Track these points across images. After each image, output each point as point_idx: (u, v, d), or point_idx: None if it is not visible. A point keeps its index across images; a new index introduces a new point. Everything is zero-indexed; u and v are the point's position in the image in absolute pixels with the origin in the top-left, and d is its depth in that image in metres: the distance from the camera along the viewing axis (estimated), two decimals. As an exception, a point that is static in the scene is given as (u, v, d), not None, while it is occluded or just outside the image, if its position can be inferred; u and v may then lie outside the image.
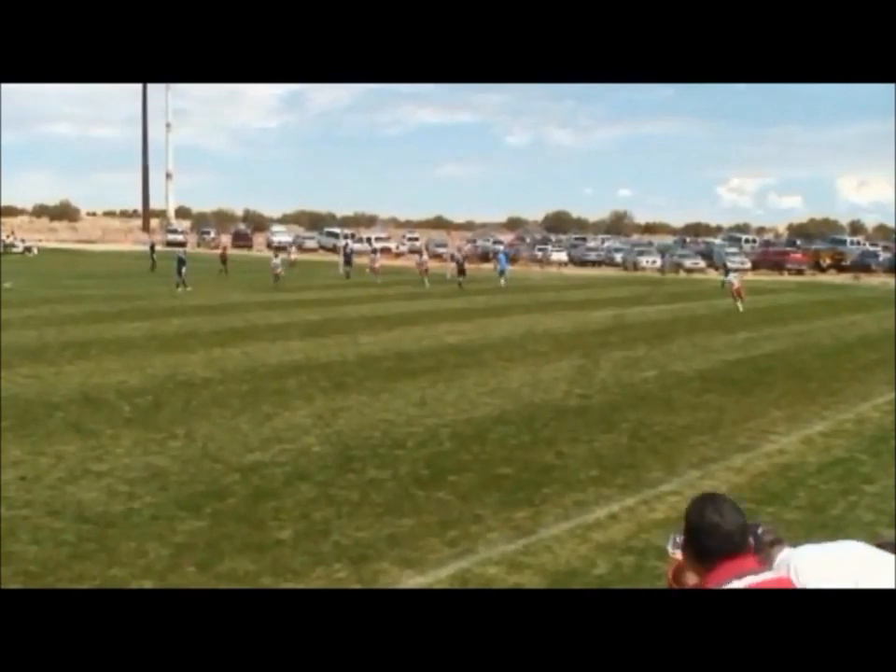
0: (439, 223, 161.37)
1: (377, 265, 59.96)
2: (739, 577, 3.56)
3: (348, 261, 62.63)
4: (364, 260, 68.22)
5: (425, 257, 58.93)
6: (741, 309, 38.00)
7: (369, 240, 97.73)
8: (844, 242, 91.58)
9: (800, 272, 78.87)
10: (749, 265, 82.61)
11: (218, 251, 65.26)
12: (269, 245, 78.29)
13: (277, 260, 51.92)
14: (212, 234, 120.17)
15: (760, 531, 4.44)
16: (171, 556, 9.09)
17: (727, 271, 47.63)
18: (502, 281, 55.68)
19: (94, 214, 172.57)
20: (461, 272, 54.24)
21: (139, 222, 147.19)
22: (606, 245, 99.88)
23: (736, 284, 40.37)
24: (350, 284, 53.79)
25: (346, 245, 76.28)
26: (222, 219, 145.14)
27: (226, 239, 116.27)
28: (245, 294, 43.49)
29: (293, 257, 67.07)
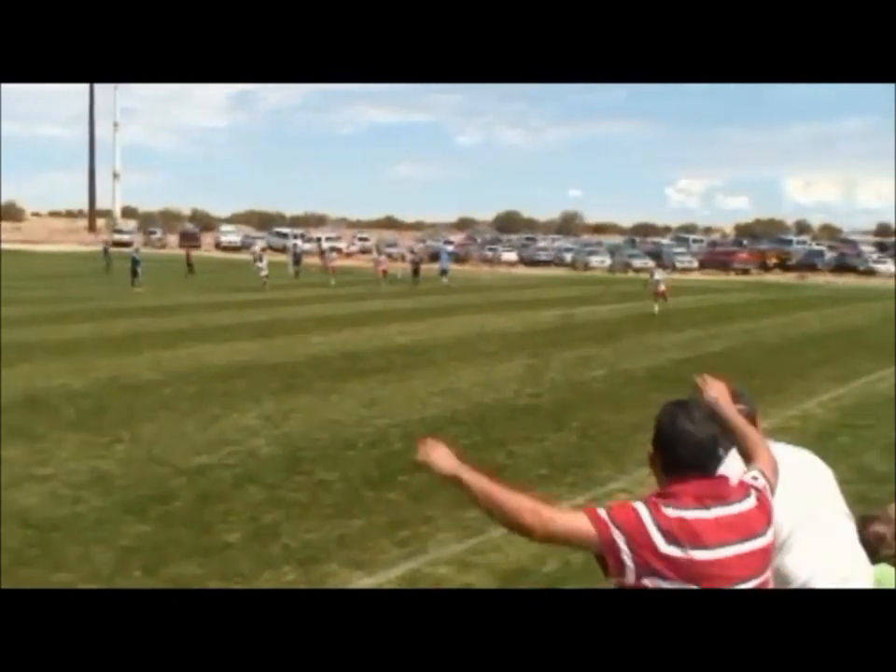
0: (389, 223, 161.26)
1: (334, 265, 58.00)
2: (707, 507, 3.37)
3: (297, 261, 62.32)
4: (314, 260, 67.96)
5: (382, 257, 57.14)
6: (656, 311, 36.37)
7: (318, 240, 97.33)
8: (789, 242, 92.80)
9: (746, 271, 79.75)
10: (696, 264, 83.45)
11: (164, 251, 64.77)
12: (217, 245, 77.54)
13: (262, 264, 48.90)
14: (158, 234, 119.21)
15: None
16: (116, 561, 8.97)
17: (653, 271, 44.60)
18: (444, 279, 55.88)
19: (39, 214, 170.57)
20: (416, 272, 54.28)
21: (85, 222, 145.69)
22: (556, 244, 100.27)
23: (662, 286, 38.09)
24: (299, 284, 53.56)
25: (295, 245, 76.06)
26: (169, 219, 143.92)
27: (173, 239, 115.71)
28: (194, 295, 43.16)
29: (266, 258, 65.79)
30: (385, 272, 52.91)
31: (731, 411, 3.98)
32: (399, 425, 15.07)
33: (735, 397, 4.24)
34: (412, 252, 70.97)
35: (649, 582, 3.32)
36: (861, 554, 4.41)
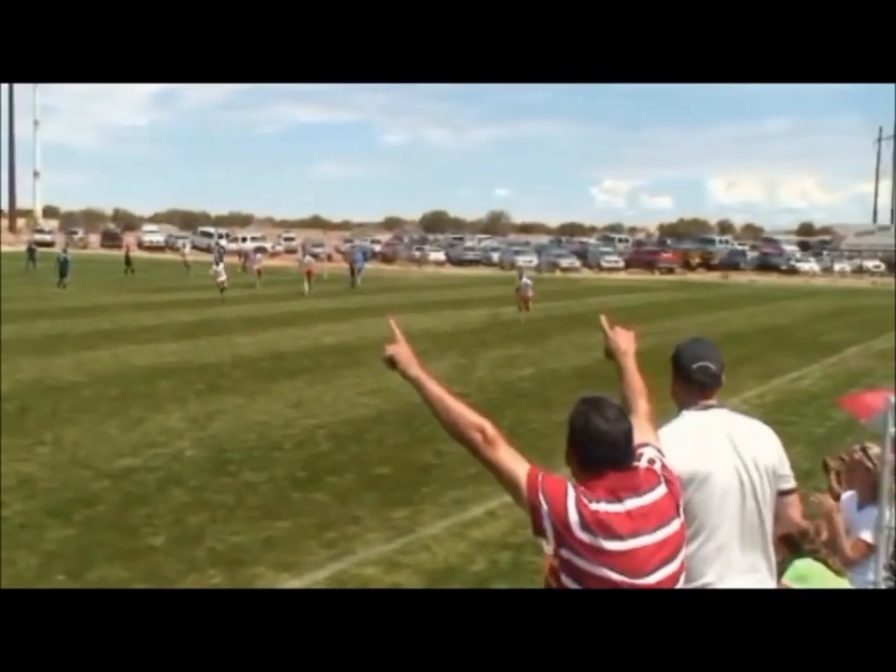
0: (315, 223, 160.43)
1: (258, 266, 53.44)
2: (621, 500, 3.47)
3: (218, 261, 61.68)
4: (237, 260, 67.24)
5: (307, 258, 52.06)
6: (522, 320, 33.34)
7: (244, 239, 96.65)
8: (712, 241, 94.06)
9: (670, 270, 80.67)
10: (622, 264, 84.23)
11: (86, 251, 63.81)
12: (140, 245, 76.60)
13: (220, 268, 42.66)
14: (80, 234, 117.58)
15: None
16: (40, 565, 8.86)
17: (521, 272, 39.46)
18: (358, 279, 55.84)
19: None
20: (353, 272, 54.06)
21: (5, 222, 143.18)
22: (483, 244, 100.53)
23: (530, 291, 35.09)
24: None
25: (216, 244, 75.35)
26: (91, 219, 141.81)
27: (94, 238, 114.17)
28: (117, 295, 42.62)
29: (189, 258, 63.38)
30: (309, 273, 48.58)
31: (629, 361, 4.45)
32: (326, 425, 15.04)
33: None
34: (336, 251, 70.70)
35: (565, 554, 3.44)
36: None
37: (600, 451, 3.55)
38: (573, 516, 3.42)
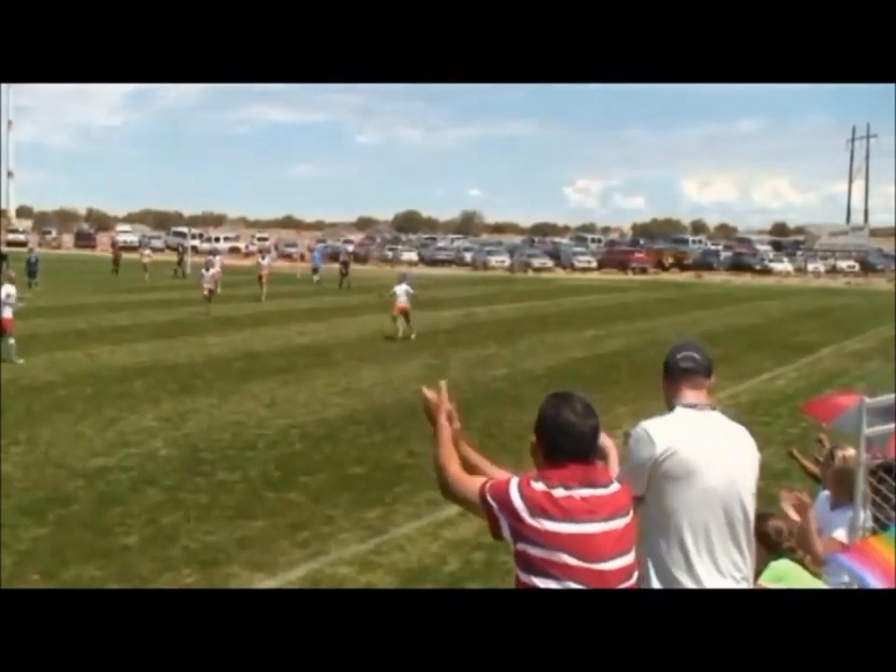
0: (288, 223, 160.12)
1: (215, 270, 42.49)
2: (577, 487, 3.60)
3: (180, 260, 61.39)
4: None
5: (266, 261, 46.60)
6: (400, 334, 27.64)
7: (217, 239, 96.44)
8: (686, 241, 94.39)
9: (644, 270, 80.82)
10: (595, 264, 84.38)
11: (59, 251, 63.39)
12: (113, 245, 76.02)
13: (209, 273, 36.46)
14: (53, 234, 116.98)
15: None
16: (14, 564, 8.84)
17: (401, 278, 30.42)
18: (315, 278, 56.13)
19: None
20: (345, 272, 53.92)
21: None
22: (455, 244, 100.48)
23: (402, 302, 27.99)
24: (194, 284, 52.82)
25: (179, 244, 74.98)
26: (65, 219, 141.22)
27: (68, 238, 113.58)
28: (90, 295, 42.41)
29: (146, 260, 62.84)
30: (262, 277, 42.71)
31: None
32: (299, 425, 15.05)
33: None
34: (310, 250, 70.34)
35: (521, 547, 3.58)
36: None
37: (566, 442, 3.69)
38: (518, 505, 3.58)
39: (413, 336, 27.26)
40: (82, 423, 15.03)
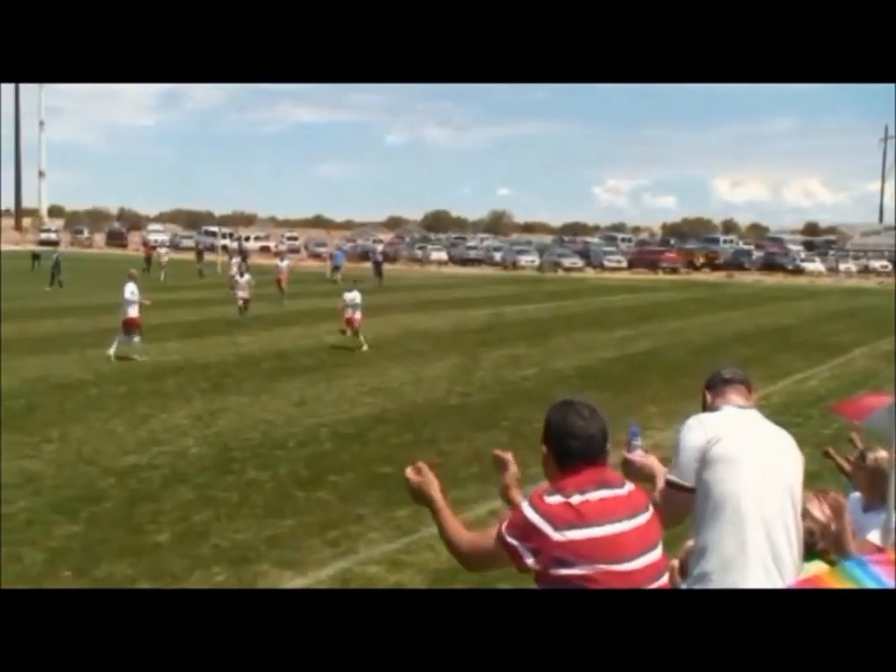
0: (318, 222, 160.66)
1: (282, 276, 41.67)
2: (592, 490, 3.60)
3: (199, 258, 61.63)
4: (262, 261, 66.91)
5: (284, 263, 42.26)
6: (365, 347, 24.64)
7: (247, 238, 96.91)
8: (717, 241, 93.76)
9: (674, 270, 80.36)
10: (625, 264, 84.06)
11: (92, 250, 63.64)
12: (145, 244, 76.19)
13: (243, 280, 32.50)
14: (85, 233, 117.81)
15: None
16: (46, 561, 8.92)
17: (352, 286, 27.13)
18: (338, 276, 56.57)
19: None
20: (378, 272, 54.06)
21: (11, 221, 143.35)
22: (485, 244, 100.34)
23: (356, 312, 25.43)
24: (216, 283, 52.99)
25: (198, 243, 75.01)
26: (96, 218, 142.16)
27: (99, 238, 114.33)
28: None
29: (163, 259, 62.57)
30: (280, 281, 39.57)
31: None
32: (328, 424, 15.09)
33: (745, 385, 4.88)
34: (341, 251, 70.31)
35: (555, 572, 3.53)
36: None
37: (576, 446, 3.70)
38: (541, 524, 3.54)
39: (364, 348, 24.55)
40: (114, 421, 15.14)
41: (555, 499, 3.58)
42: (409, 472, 4.07)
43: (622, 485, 3.73)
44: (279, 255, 48.67)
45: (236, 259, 48.78)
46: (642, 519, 3.68)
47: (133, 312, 22.50)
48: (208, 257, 67.42)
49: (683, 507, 4.56)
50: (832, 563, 5.28)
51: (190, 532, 9.86)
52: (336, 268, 58.96)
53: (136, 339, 22.19)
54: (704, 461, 4.50)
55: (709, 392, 4.96)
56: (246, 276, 32.50)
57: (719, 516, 4.45)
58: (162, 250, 63.04)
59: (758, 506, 4.45)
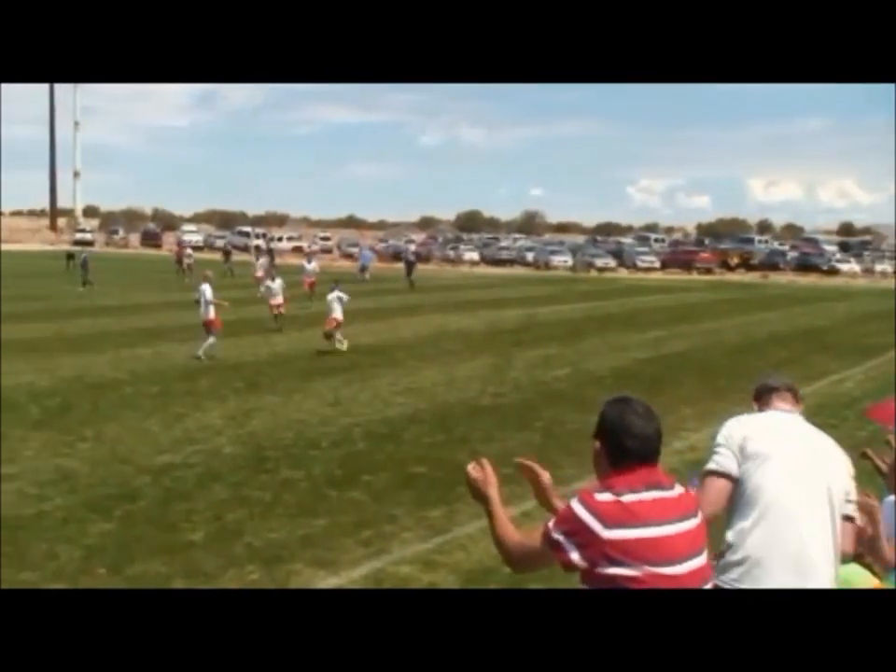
0: (351, 222, 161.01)
1: (258, 275, 41.00)
2: (644, 491, 3.56)
3: (226, 259, 61.69)
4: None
5: (312, 265, 39.94)
6: (344, 347, 24.17)
7: (280, 239, 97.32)
8: (751, 241, 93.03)
9: (709, 270, 79.85)
10: (658, 264, 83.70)
11: (127, 250, 64.00)
12: (179, 245, 76.53)
13: (275, 285, 29.90)
14: (120, 233, 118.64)
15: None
16: (82, 559, 8.99)
17: (334, 286, 25.74)
18: (366, 275, 57.13)
19: (1, 213, 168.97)
20: (410, 273, 54.04)
21: (47, 221, 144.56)
22: (518, 244, 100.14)
23: (337, 313, 24.50)
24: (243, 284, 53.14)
25: (226, 243, 75.07)
26: (131, 218, 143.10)
27: (134, 238, 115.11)
28: (157, 294, 42.95)
29: (187, 261, 61.98)
30: (312, 285, 37.90)
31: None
32: (362, 424, 15.12)
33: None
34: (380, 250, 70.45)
35: (602, 571, 3.50)
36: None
37: (633, 445, 3.65)
38: (591, 521, 3.51)
39: (345, 347, 24.06)
40: (149, 420, 15.24)
41: (606, 497, 3.54)
42: (470, 468, 4.11)
43: (672, 487, 3.68)
44: (307, 256, 46.46)
45: (262, 261, 47.05)
46: (691, 523, 3.64)
47: (211, 313, 22.63)
48: (243, 257, 67.74)
49: (718, 492, 4.59)
50: (868, 566, 5.25)
51: (224, 531, 9.90)
52: (364, 267, 59.24)
53: (212, 339, 22.31)
54: (740, 456, 4.58)
55: (756, 402, 5.10)
56: (278, 281, 30.14)
57: (747, 510, 4.51)
58: (187, 251, 62.00)
59: (787, 502, 4.49)
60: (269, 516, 10.40)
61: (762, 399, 5.05)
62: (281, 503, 10.88)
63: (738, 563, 4.43)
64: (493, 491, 4.07)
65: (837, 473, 4.63)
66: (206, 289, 22.88)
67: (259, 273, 40.55)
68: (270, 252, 60.26)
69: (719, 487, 4.59)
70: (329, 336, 24.19)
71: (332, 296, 24.75)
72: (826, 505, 4.52)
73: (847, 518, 4.67)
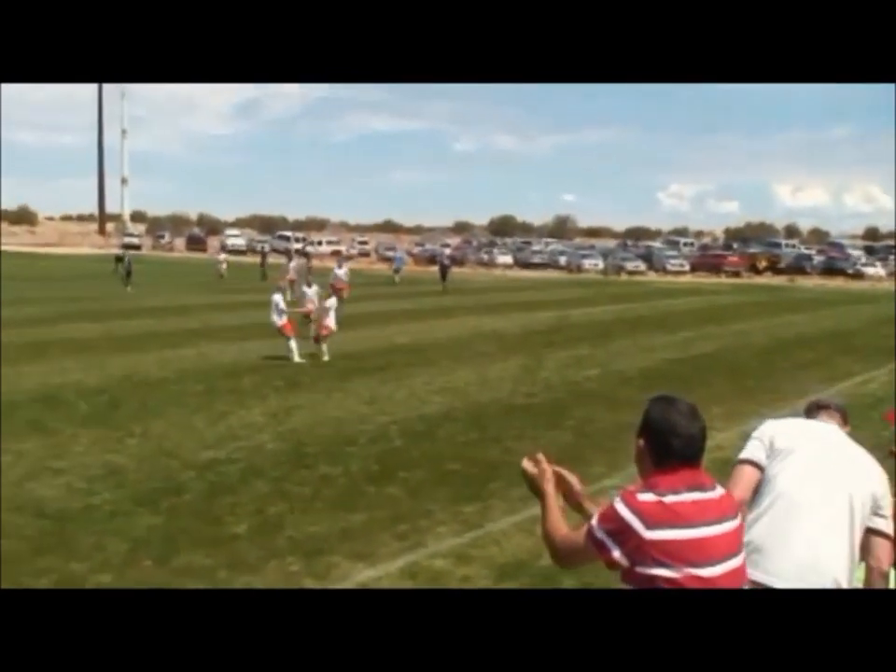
0: (388, 227, 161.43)
1: (289, 278, 38.87)
2: (686, 492, 3.53)
3: (263, 263, 61.84)
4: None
5: (343, 270, 38.06)
6: (326, 357, 22.68)
7: (319, 243, 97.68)
8: (779, 245, 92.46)
9: (737, 274, 79.44)
10: (687, 267, 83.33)
11: (173, 254, 64.43)
12: (223, 248, 76.69)
13: (311, 291, 26.84)
14: (166, 238, 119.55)
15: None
16: (128, 551, 9.06)
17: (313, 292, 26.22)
18: (396, 278, 57.77)
19: (52, 218, 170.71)
20: (444, 276, 53.94)
21: (96, 226, 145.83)
22: (550, 248, 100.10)
23: (330, 319, 23.39)
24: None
25: (262, 246, 75.26)
26: (177, 223, 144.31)
27: (180, 242, 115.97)
28: (202, 296, 43.21)
29: (222, 266, 60.35)
30: (339, 290, 33.96)
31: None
32: (398, 422, 15.15)
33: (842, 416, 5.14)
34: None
35: (642, 571, 3.47)
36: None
37: (677, 445, 3.59)
38: (633, 521, 3.48)
39: (326, 358, 22.65)
40: (194, 417, 15.34)
41: (649, 497, 3.51)
42: (525, 464, 4.03)
43: (713, 488, 3.64)
44: (338, 261, 41.64)
45: (293, 264, 44.99)
46: (731, 524, 3.61)
47: (283, 319, 22.67)
48: (282, 260, 68.05)
49: (745, 480, 4.67)
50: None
51: (266, 524, 9.95)
52: (397, 270, 59.72)
53: (292, 343, 22.36)
54: (769, 450, 4.68)
55: (806, 417, 5.14)
56: (315, 287, 27.28)
57: (760, 499, 4.59)
58: (221, 256, 61.86)
59: (798, 497, 4.50)
60: (309, 510, 10.45)
61: (810, 414, 5.09)
62: (320, 497, 10.93)
63: (748, 553, 4.44)
64: (549, 486, 3.96)
65: (865, 484, 4.59)
66: (279, 299, 22.86)
67: (292, 277, 39.80)
68: (306, 256, 59.94)
69: (747, 475, 4.68)
70: (318, 340, 23.05)
71: (331, 302, 23.87)
72: (844, 510, 4.50)
73: (879, 533, 4.61)
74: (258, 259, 66.57)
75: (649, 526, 3.45)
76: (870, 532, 4.58)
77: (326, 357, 22.63)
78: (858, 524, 4.52)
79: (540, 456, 4.02)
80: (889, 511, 4.61)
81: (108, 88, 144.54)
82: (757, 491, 4.61)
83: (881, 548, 4.58)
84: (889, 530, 4.61)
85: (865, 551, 4.60)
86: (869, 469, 4.68)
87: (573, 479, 4.08)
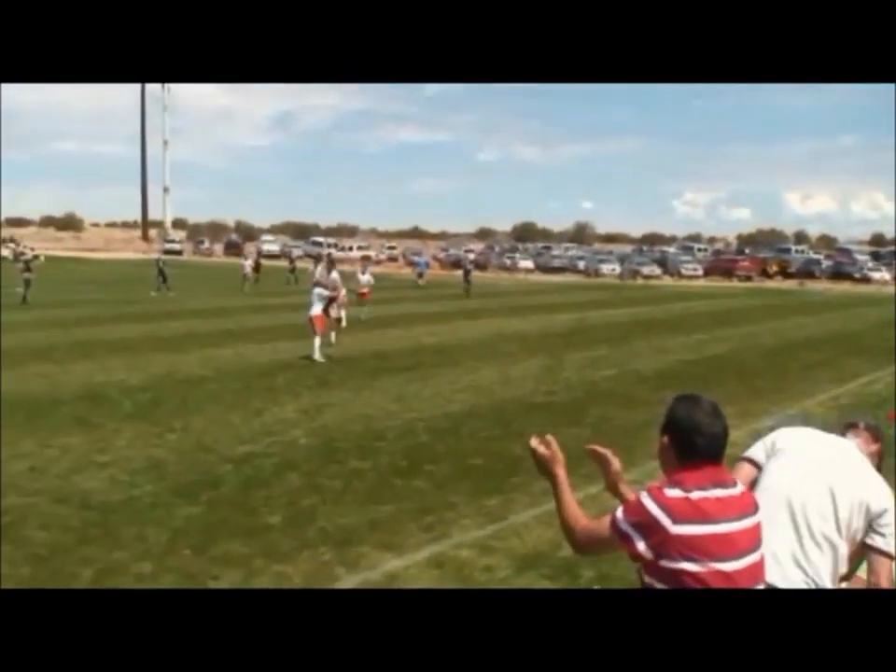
0: (414, 233, 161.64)
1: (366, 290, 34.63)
2: (710, 488, 3.50)
3: (292, 269, 61.17)
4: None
5: (366, 276, 35.07)
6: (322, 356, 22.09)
7: (350, 248, 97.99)
8: (789, 250, 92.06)
9: (748, 278, 79.18)
10: (701, 272, 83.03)
11: (212, 259, 64.60)
12: (258, 254, 76.74)
13: (342, 312, 25.71)
14: (206, 244, 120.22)
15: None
16: (169, 541, 9.08)
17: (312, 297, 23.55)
18: (420, 281, 58.66)
19: (97, 225, 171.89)
20: (467, 279, 53.62)
21: (139, 232, 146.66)
22: (569, 253, 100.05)
23: (340, 311, 24.01)
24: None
25: (290, 251, 74.79)
26: (215, 230, 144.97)
27: (218, 248, 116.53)
28: (239, 299, 43.36)
29: (246, 271, 60.09)
30: (364, 295, 33.68)
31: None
32: (424, 419, 15.14)
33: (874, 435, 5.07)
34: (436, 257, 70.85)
35: (666, 565, 3.44)
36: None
37: (701, 443, 3.56)
38: (660, 516, 3.45)
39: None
40: (231, 413, 15.37)
41: (675, 493, 3.47)
42: (535, 444, 3.95)
43: (735, 485, 3.62)
44: (362, 265, 38.43)
45: (321, 268, 44.54)
46: (751, 521, 3.59)
47: (317, 310, 22.69)
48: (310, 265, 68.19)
49: (742, 476, 4.60)
50: None
51: (299, 515, 9.96)
52: (420, 274, 60.39)
53: (317, 342, 22.38)
54: (770, 450, 4.70)
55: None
56: (343, 312, 26.01)
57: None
58: (247, 262, 57.15)
59: (793, 501, 4.39)
60: (339, 502, 10.45)
61: (842, 434, 5.00)
62: (350, 490, 10.93)
63: None
64: (560, 470, 3.89)
65: (858, 491, 4.42)
66: (321, 291, 22.89)
67: (318, 279, 38.46)
68: (331, 261, 58.80)
69: (744, 472, 4.68)
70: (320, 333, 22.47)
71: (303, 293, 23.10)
72: (833, 522, 4.37)
73: (878, 551, 4.41)
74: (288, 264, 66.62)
75: (676, 522, 3.42)
76: (868, 549, 4.43)
77: (344, 324, 24.96)
78: (842, 537, 4.37)
79: (551, 438, 3.96)
80: (890, 530, 4.41)
81: (150, 101, 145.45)
82: (752, 488, 4.58)
83: (880, 565, 4.42)
84: (890, 548, 4.42)
85: (867, 566, 4.51)
86: (867, 480, 4.51)
87: (615, 461, 4.02)
